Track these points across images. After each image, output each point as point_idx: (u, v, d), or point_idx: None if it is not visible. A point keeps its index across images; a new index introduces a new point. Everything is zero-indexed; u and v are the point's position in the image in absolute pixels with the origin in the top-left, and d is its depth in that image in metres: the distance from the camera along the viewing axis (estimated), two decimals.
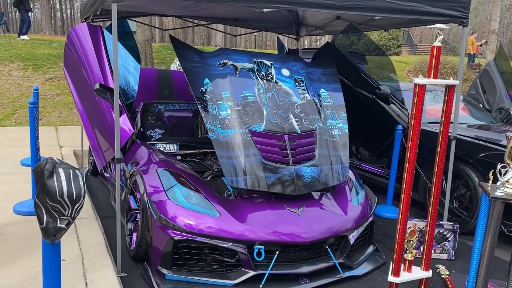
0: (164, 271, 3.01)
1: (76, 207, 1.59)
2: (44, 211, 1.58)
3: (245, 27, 6.75)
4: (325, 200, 3.40)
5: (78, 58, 4.52)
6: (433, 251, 3.90)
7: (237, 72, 3.49)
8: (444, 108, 2.23)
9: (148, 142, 4.27)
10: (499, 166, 1.79)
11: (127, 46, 4.70)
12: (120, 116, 4.19)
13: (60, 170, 1.59)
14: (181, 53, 3.43)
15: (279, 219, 3.10)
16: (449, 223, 3.96)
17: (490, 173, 1.79)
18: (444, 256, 3.91)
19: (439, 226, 3.93)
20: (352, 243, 3.31)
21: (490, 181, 1.82)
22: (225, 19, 6.44)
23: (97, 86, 3.88)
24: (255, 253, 2.95)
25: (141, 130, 4.53)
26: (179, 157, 4.08)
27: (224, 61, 3.52)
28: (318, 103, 3.71)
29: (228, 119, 3.28)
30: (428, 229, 2.30)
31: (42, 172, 1.56)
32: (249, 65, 3.57)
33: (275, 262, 3.03)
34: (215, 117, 3.25)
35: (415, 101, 2.14)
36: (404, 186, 2.16)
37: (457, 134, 4.69)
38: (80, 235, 3.54)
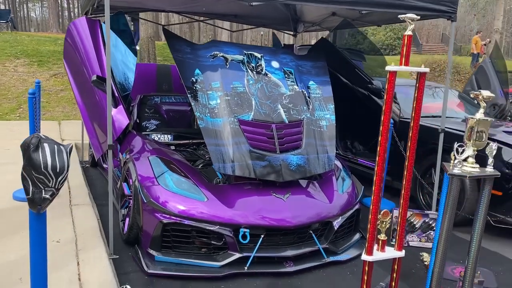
0: (154, 253, 3.14)
1: (59, 179, 1.72)
2: (30, 183, 1.71)
3: (244, 23, 6.87)
4: (311, 187, 3.51)
5: (77, 51, 4.66)
6: (418, 239, 4.03)
7: (227, 64, 3.61)
8: (416, 95, 2.33)
9: (143, 133, 4.40)
10: (456, 145, 1.89)
11: (125, 41, 4.83)
12: (116, 107, 4.33)
13: (45, 145, 1.72)
14: (174, 45, 3.56)
15: (265, 204, 3.22)
16: (434, 212, 4.06)
17: (452, 153, 1.89)
18: (429, 244, 4.00)
19: (425, 216, 4.03)
20: (336, 229, 3.42)
21: (452, 161, 1.92)
22: (223, 15, 6.56)
23: (94, 77, 4.01)
24: (240, 236, 3.07)
25: (137, 121, 4.66)
26: (172, 147, 4.20)
27: (215, 52, 3.65)
28: (306, 94, 3.82)
29: (217, 108, 3.40)
30: (400, 210, 2.40)
31: (28, 146, 1.69)
32: (240, 57, 3.69)
33: (261, 245, 3.14)
34: (204, 106, 3.38)
35: (387, 87, 2.24)
36: (376, 169, 2.26)
37: (448, 128, 4.80)
38: (76, 220, 3.68)
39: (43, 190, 1.70)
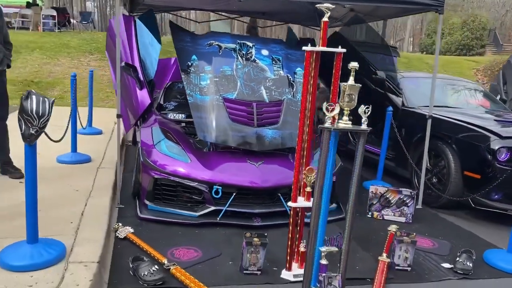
0: (147, 202, 3.87)
1: (42, 120, 2.46)
2: (22, 123, 2.47)
3: (272, 19, 7.46)
4: (283, 159, 4.05)
5: (114, 43, 5.55)
6: (392, 214, 4.40)
7: (220, 51, 4.26)
8: (333, 74, 2.79)
9: (162, 112, 5.18)
10: (325, 104, 2.35)
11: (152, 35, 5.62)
12: (141, 90, 5.14)
13: (33, 97, 2.47)
14: (176, 36, 4.28)
15: (239, 168, 3.82)
16: (408, 190, 4.39)
17: (323, 109, 2.35)
18: (402, 219, 4.35)
19: (399, 193, 4.38)
20: None
21: (326, 117, 2.38)
22: (252, 12, 7.20)
23: (123, 63, 4.84)
24: (213, 192, 3.70)
25: (161, 103, 5.46)
26: (183, 124, 4.93)
27: (211, 41, 4.31)
28: (291, 79, 4.35)
29: (206, 87, 4.06)
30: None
31: (22, 97, 2.46)
32: (233, 46, 4.32)
33: (233, 202, 3.75)
34: (195, 86, 4.06)
35: (305, 65, 2.74)
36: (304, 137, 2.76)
37: (438, 115, 5.07)
38: (97, 178, 4.52)
39: (30, 128, 2.47)
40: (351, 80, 2.33)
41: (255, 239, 2.99)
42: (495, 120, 4.91)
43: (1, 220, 3.22)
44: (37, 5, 17.55)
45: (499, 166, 4.28)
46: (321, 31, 2.75)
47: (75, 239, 3.05)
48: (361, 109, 2.31)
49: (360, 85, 2.34)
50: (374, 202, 4.44)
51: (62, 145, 5.23)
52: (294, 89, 4.32)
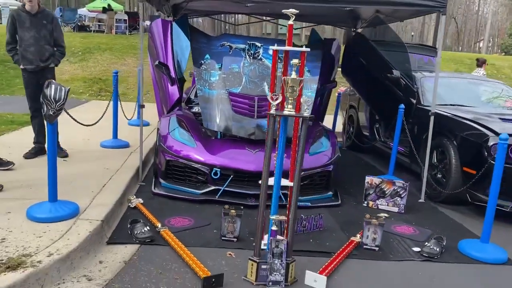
0: (161, 180, 4.51)
1: (58, 104, 3.14)
2: (44, 106, 3.18)
3: (307, 21, 7.85)
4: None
5: (153, 43, 6.30)
6: (386, 204, 4.69)
7: (231, 51, 4.80)
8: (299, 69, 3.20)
9: (189, 105, 5.83)
10: (270, 94, 2.76)
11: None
12: (172, 85, 5.82)
13: (52, 86, 3.17)
14: (193, 37, 4.88)
15: (237, 154, 4.34)
16: (401, 181, 4.64)
17: (269, 97, 2.76)
18: (395, 209, 4.61)
19: (394, 184, 4.64)
20: None
21: (272, 105, 2.80)
22: (286, 15, 7.62)
23: (156, 62, 5.55)
24: (212, 173, 4.25)
25: (190, 97, 6.12)
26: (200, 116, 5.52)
27: (223, 42, 4.86)
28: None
29: (215, 83, 4.62)
30: (295, 176, 3.26)
31: (44, 85, 3.17)
32: (242, 46, 4.84)
33: (231, 184, 4.28)
34: (206, 81, 4.63)
35: (272, 63, 3.19)
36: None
37: (443, 113, 5.22)
38: (128, 160, 5.26)
39: (49, 110, 3.18)
40: (293, 75, 2.76)
41: (232, 210, 3.49)
42: (500, 118, 4.97)
43: (41, 187, 4.00)
44: (112, 10, 19.24)
45: (493, 163, 4.39)
46: (287, 33, 3.18)
47: (90, 203, 3.74)
48: (303, 99, 2.73)
49: (302, 79, 2.76)
50: (371, 192, 4.74)
51: (108, 133, 6.07)
52: None
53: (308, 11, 7.16)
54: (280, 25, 11.44)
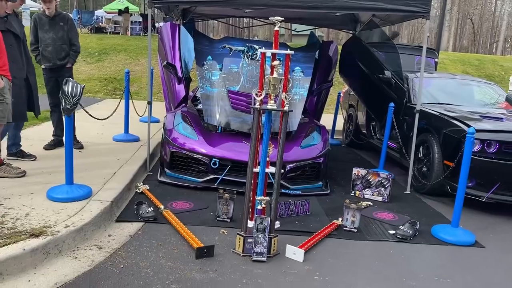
0: (166, 170, 4.99)
1: (74, 100, 3.64)
2: (62, 101, 3.68)
3: (309, 24, 8.27)
4: (273, 141, 4.91)
5: (163, 45, 6.79)
6: (371, 193, 5.09)
7: (231, 53, 5.26)
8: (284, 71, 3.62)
9: (194, 102, 6.30)
10: (255, 90, 3.19)
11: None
12: (179, 84, 6.31)
13: (70, 83, 3.67)
14: (197, 39, 5.35)
15: (235, 146, 4.79)
16: (385, 172, 5.03)
17: (254, 93, 3.19)
18: (379, 198, 5.01)
19: (379, 176, 5.04)
20: (287, 170, 4.78)
21: (256, 100, 3.24)
22: (290, 18, 8.07)
23: (164, 62, 6.04)
24: (212, 163, 4.71)
25: (196, 95, 6.59)
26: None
27: (224, 45, 5.33)
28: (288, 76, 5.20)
29: (216, 82, 5.09)
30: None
31: (62, 83, 3.67)
32: (241, 48, 5.30)
33: (229, 173, 4.73)
34: (207, 80, 5.10)
35: (261, 63, 3.63)
36: None
37: (427, 110, 5.60)
38: (137, 152, 5.76)
39: (67, 104, 3.68)
40: (275, 74, 3.20)
41: (226, 194, 3.95)
42: (481, 116, 5.32)
43: (59, 174, 4.50)
44: (128, 12, 19.90)
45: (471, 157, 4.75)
46: (273, 38, 3.62)
47: (102, 187, 4.23)
48: (283, 95, 3.17)
49: (282, 78, 3.20)
50: (358, 183, 5.15)
51: (120, 128, 6.58)
52: (290, 84, 5.16)
53: (310, 15, 7.61)
54: (285, 28, 11.90)
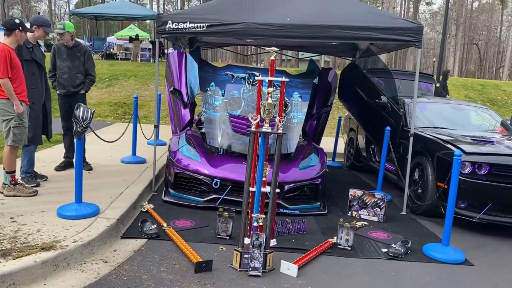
0: (171, 190, 5.23)
1: (84, 123, 3.93)
2: (74, 124, 3.97)
3: (311, 52, 8.61)
4: (271, 163, 5.15)
5: (170, 72, 7.14)
6: (367, 214, 5.28)
7: (233, 79, 5.56)
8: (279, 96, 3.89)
9: (199, 126, 6.59)
10: (251, 115, 3.45)
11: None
12: (185, 108, 6.61)
13: (81, 107, 3.96)
14: (201, 67, 5.67)
15: (236, 168, 5.04)
16: (380, 193, 5.23)
17: (250, 117, 3.45)
18: (375, 218, 5.19)
19: (374, 197, 5.23)
20: (285, 191, 4.99)
21: (252, 124, 3.49)
22: (292, 46, 8.42)
23: (171, 88, 6.36)
24: (213, 183, 4.95)
25: (201, 118, 6.88)
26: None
27: (227, 72, 5.64)
28: (287, 101, 5.49)
29: (218, 106, 5.37)
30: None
31: (74, 108, 3.97)
32: (243, 75, 5.60)
33: (230, 193, 4.96)
34: (210, 105, 5.39)
35: (258, 89, 3.90)
36: None
37: (423, 133, 5.81)
38: (144, 173, 6.02)
39: (78, 127, 3.96)
40: (269, 100, 3.47)
41: (225, 213, 4.17)
42: (472, 139, 5.52)
43: (69, 194, 4.77)
44: (138, 39, 20.54)
45: (462, 178, 4.93)
46: (270, 66, 3.91)
47: (109, 206, 4.48)
48: (277, 118, 3.42)
49: (276, 103, 3.46)
50: (354, 204, 5.34)
51: (128, 150, 6.86)
52: (288, 109, 5.45)
53: (310, 43, 7.94)
54: (291, 56, 12.27)
